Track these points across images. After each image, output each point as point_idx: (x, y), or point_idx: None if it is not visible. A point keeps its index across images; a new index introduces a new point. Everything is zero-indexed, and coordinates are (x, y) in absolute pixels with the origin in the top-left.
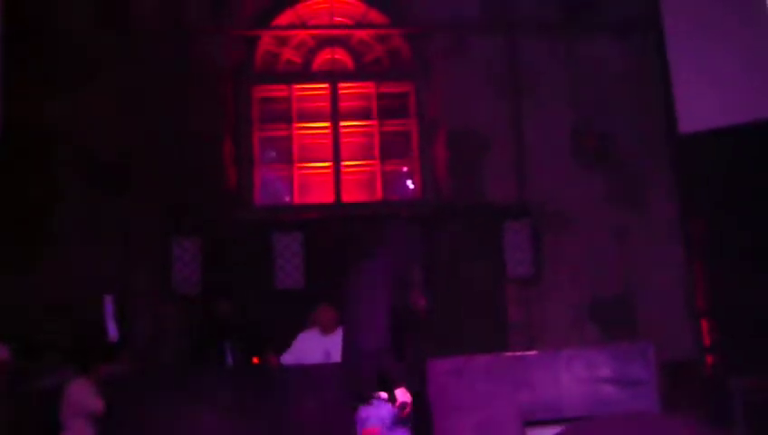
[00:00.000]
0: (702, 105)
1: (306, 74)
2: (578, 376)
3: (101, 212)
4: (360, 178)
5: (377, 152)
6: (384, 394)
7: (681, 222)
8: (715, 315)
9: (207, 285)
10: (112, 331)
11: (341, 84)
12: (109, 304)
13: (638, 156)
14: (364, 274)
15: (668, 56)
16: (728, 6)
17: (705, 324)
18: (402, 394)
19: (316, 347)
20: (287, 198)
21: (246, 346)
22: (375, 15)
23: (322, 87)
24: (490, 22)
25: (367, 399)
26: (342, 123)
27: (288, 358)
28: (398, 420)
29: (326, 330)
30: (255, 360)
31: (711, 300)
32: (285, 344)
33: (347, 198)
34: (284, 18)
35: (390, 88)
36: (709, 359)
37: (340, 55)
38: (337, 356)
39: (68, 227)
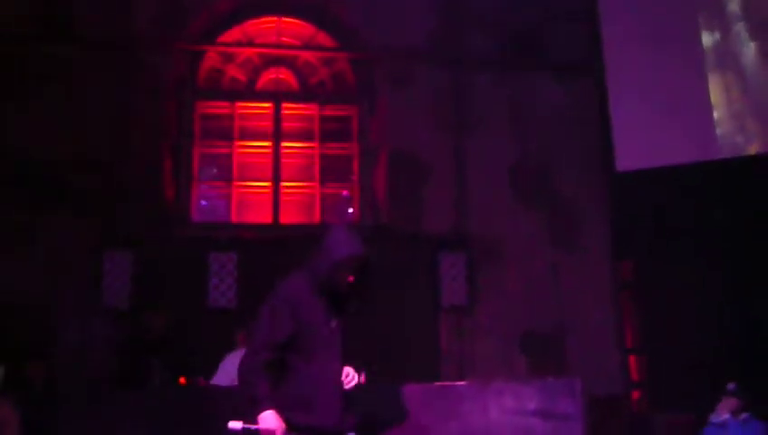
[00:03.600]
0: (638, 146)
1: (250, 93)
2: (507, 408)
3: (34, 222)
4: (299, 200)
5: (317, 174)
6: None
7: (612, 259)
8: (642, 352)
9: (138, 301)
10: None
11: (285, 104)
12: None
13: (574, 193)
14: None
15: (608, 98)
16: (665, 55)
17: (632, 360)
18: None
19: None
20: (224, 216)
21: (175, 365)
22: (323, 38)
23: (266, 106)
24: (436, 53)
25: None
26: (284, 144)
27: (217, 379)
28: None
29: None
30: (182, 380)
31: (639, 337)
32: (215, 364)
33: (285, 219)
34: (231, 35)
35: (334, 111)
36: (636, 394)
37: (286, 76)
38: None
39: None
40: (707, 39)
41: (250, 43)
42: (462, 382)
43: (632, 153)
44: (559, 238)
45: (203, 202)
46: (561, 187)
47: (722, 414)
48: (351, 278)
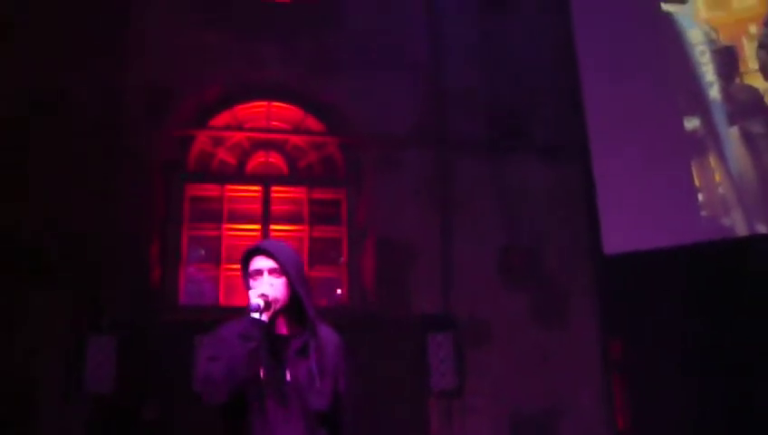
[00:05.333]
0: (626, 228)
1: (239, 176)
2: None
3: (13, 300)
4: None
5: (306, 257)
6: None
7: (600, 340)
8: (634, 433)
9: (122, 385)
10: None
11: (274, 188)
12: None
13: (561, 274)
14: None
15: (595, 181)
16: (648, 137)
17: None
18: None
19: None
20: (212, 299)
21: None
22: (312, 122)
23: (255, 189)
24: (422, 137)
25: None
26: (273, 227)
27: None
28: None
29: None
30: None
31: (630, 418)
32: None
33: None
34: (221, 119)
35: (323, 194)
36: None
37: (275, 159)
38: None
39: None
40: (689, 123)
41: (240, 127)
42: None
43: (619, 235)
44: (547, 319)
45: (191, 284)
46: (549, 268)
47: None
48: (259, 293)
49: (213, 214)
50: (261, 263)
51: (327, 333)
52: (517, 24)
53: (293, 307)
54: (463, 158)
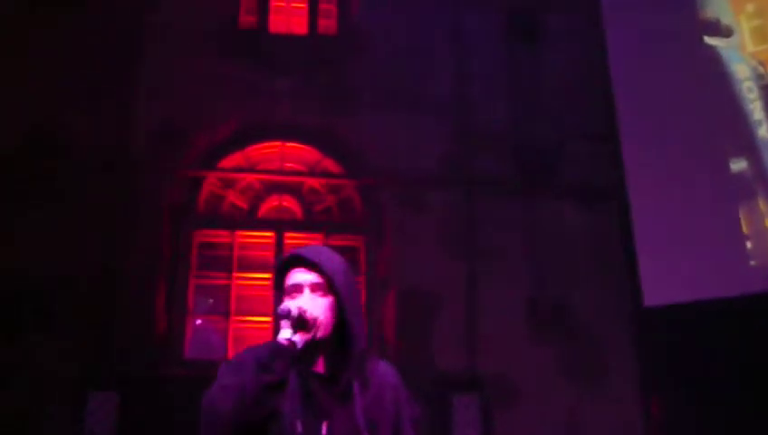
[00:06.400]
0: (666, 278)
1: (251, 221)
2: None
3: (13, 353)
4: None
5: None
6: None
7: (640, 400)
8: None
9: None
10: None
11: (288, 234)
12: None
13: (596, 327)
14: None
15: (633, 225)
16: (694, 178)
17: None
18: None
19: None
20: (220, 353)
21: None
22: (329, 164)
23: (267, 235)
24: (447, 178)
25: None
26: None
27: None
28: None
29: None
30: None
31: None
32: None
33: None
34: (232, 160)
35: (340, 241)
36: None
37: (289, 203)
38: None
39: None
40: (736, 164)
41: (252, 169)
42: None
43: (659, 285)
44: (581, 377)
45: (198, 336)
46: (583, 320)
47: None
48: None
49: (222, 261)
50: (301, 277)
51: (382, 373)
52: (548, 55)
53: (338, 338)
54: (490, 200)
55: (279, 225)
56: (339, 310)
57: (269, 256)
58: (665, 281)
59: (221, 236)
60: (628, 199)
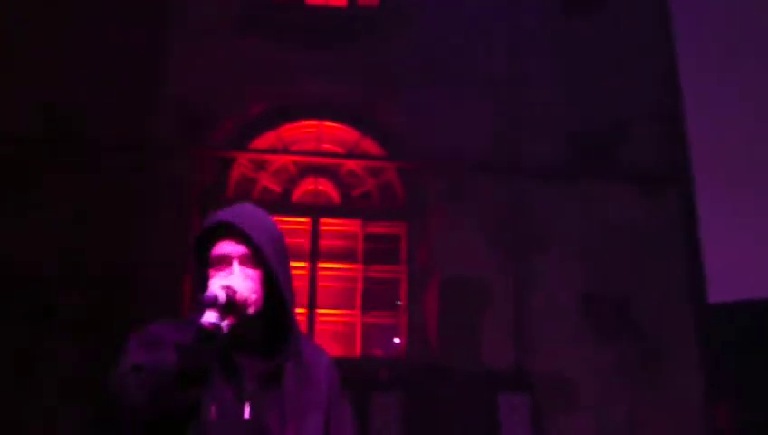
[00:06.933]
0: (734, 273)
1: (285, 206)
2: None
3: (33, 350)
4: (337, 330)
5: (359, 301)
6: None
7: (704, 404)
8: None
9: None
10: None
11: (324, 220)
12: None
13: (658, 325)
14: None
15: (698, 216)
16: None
17: None
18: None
19: None
20: None
21: None
22: (369, 145)
23: (302, 221)
24: (495, 162)
25: None
26: (321, 265)
27: None
28: None
29: None
30: None
31: None
32: None
33: None
34: (265, 140)
35: (380, 228)
36: None
37: (325, 187)
38: None
39: None
40: None
41: (286, 150)
42: None
43: (726, 280)
44: (640, 378)
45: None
46: (643, 317)
47: None
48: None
49: None
50: (229, 247)
51: (314, 354)
52: (607, 28)
53: (267, 314)
54: (542, 187)
55: (314, 210)
56: (269, 282)
57: (304, 243)
58: (732, 275)
59: None
60: (693, 185)
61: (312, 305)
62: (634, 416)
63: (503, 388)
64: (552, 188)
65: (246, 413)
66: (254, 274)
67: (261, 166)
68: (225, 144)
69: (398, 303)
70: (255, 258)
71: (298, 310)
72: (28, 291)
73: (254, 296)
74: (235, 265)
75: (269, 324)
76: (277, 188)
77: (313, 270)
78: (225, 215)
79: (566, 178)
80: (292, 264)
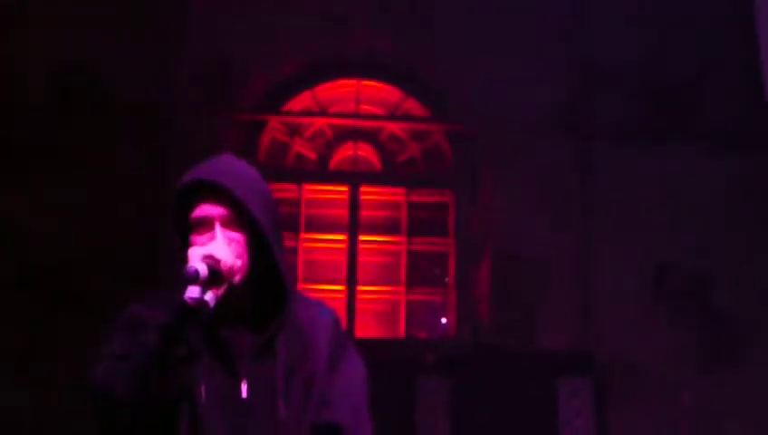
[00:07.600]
0: None
1: (321, 173)
2: None
3: (54, 334)
4: (378, 308)
5: (403, 277)
6: None
7: None
8: None
9: None
10: None
11: (364, 188)
12: None
13: (740, 307)
14: None
15: None
16: None
17: None
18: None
19: None
20: None
21: None
22: (413, 105)
23: (340, 190)
24: (557, 123)
25: None
26: (362, 237)
27: None
28: None
29: None
30: None
31: None
32: None
33: (361, 332)
34: (299, 102)
35: (425, 197)
36: None
37: (365, 152)
38: None
39: None
40: None
41: (322, 113)
42: None
43: None
44: (717, 366)
45: None
46: (724, 297)
47: None
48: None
49: (288, 220)
50: (210, 209)
51: (313, 317)
52: None
53: (256, 279)
54: (609, 149)
55: (354, 178)
56: (256, 247)
57: (342, 214)
58: None
59: (286, 190)
60: None
61: (351, 282)
62: (711, 410)
63: (562, 371)
64: (622, 150)
65: (244, 392)
66: (239, 236)
67: (295, 130)
68: (255, 106)
69: (446, 279)
70: (240, 218)
71: (335, 287)
72: (47, 269)
73: (239, 262)
74: (218, 228)
75: (258, 292)
76: (312, 155)
77: (353, 243)
78: (200, 171)
79: (638, 138)
80: (330, 236)
